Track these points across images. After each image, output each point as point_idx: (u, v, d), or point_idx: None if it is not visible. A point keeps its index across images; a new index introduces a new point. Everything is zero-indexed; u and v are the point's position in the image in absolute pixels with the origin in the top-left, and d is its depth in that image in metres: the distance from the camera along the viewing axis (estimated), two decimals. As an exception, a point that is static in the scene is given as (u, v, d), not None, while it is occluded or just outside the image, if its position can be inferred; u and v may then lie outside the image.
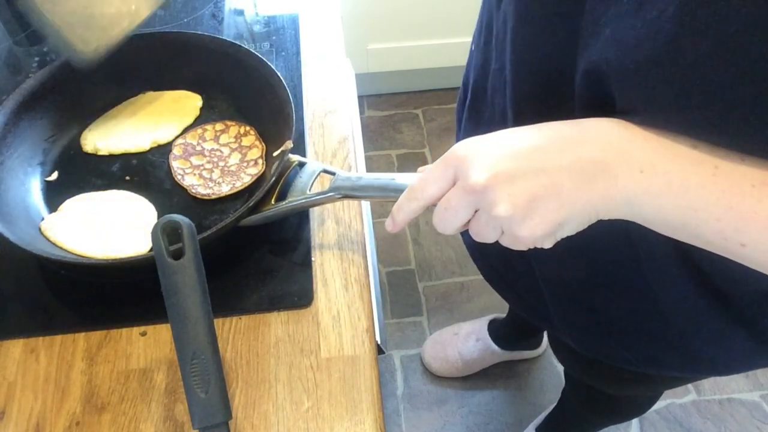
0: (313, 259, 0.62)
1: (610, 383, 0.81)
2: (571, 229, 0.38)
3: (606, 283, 0.55)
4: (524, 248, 0.39)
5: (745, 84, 0.30)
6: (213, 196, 0.64)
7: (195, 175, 0.66)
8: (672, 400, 1.37)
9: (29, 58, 0.81)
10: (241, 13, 0.88)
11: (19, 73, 0.79)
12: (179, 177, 0.66)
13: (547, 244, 0.39)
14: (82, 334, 0.57)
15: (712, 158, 0.34)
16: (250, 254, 0.62)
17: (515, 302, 0.72)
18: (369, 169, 1.77)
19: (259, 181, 0.65)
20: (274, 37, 0.83)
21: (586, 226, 0.38)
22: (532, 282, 0.61)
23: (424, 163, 1.79)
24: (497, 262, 0.68)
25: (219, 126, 0.70)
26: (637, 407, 0.98)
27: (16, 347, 0.57)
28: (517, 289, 0.67)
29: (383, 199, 0.53)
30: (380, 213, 1.60)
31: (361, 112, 1.89)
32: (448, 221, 0.40)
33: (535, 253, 0.57)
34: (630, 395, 0.91)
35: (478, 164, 0.37)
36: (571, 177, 0.36)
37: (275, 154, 0.63)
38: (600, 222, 0.39)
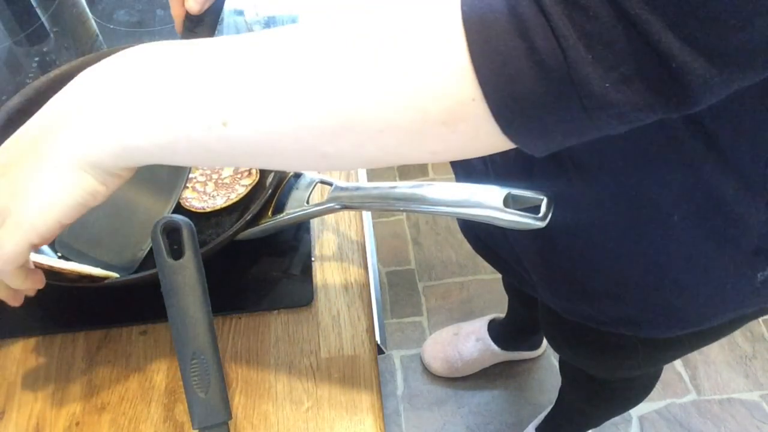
0: (313, 258, 0.62)
1: (596, 361, 0.81)
2: (46, 232, 0.34)
3: (566, 249, 0.56)
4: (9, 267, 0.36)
5: None
6: (208, 209, 0.63)
7: (188, 188, 0.66)
8: (672, 400, 1.37)
9: (29, 58, 0.81)
10: (241, 13, 0.88)
11: (19, 73, 0.79)
12: None
13: (19, 261, 0.35)
14: (82, 333, 0.57)
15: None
16: (250, 254, 0.62)
17: (504, 270, 0.74)
18: (369, 171, 1.76)
19: (253, 191, 0.65)
20: (274, 37, 0.83)
21: (79, 210, 0.35)
22: (511, 251, 0.63)
23: (425, 164, 1.79)
24: (482, 233, 0.70)
25: None
26: (632, 396, 0.98)
27: (16, 347, 0.57)
28: (503, 258, 0.69)
29: (383, 209, 0.53)
30: (380, 213, 1.61)
31: (361, 112, 1.89)
32: None
33: None
34: (624, 380, 0.90)
35: None
36: (7, 173, 0.33)
37: None
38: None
